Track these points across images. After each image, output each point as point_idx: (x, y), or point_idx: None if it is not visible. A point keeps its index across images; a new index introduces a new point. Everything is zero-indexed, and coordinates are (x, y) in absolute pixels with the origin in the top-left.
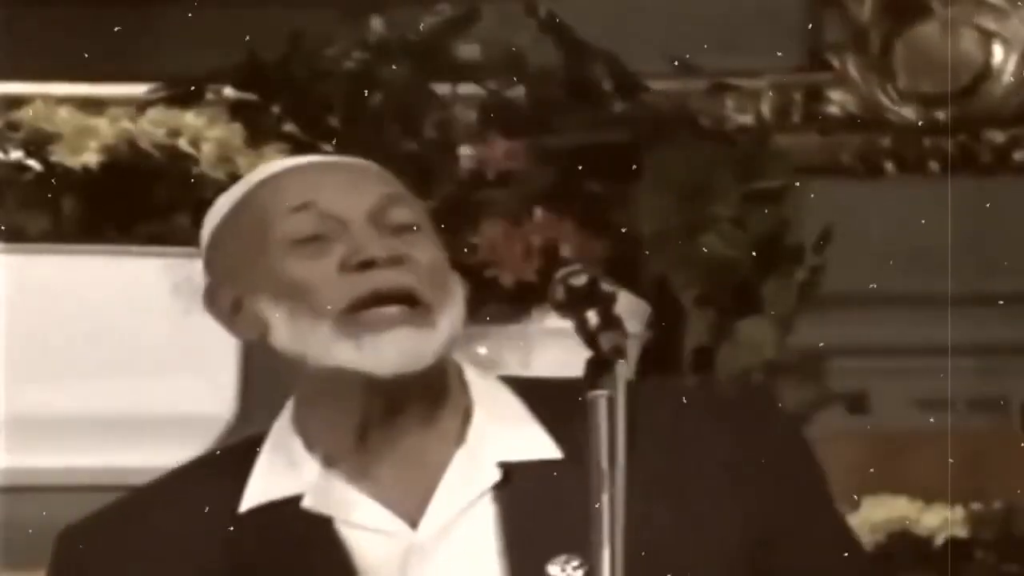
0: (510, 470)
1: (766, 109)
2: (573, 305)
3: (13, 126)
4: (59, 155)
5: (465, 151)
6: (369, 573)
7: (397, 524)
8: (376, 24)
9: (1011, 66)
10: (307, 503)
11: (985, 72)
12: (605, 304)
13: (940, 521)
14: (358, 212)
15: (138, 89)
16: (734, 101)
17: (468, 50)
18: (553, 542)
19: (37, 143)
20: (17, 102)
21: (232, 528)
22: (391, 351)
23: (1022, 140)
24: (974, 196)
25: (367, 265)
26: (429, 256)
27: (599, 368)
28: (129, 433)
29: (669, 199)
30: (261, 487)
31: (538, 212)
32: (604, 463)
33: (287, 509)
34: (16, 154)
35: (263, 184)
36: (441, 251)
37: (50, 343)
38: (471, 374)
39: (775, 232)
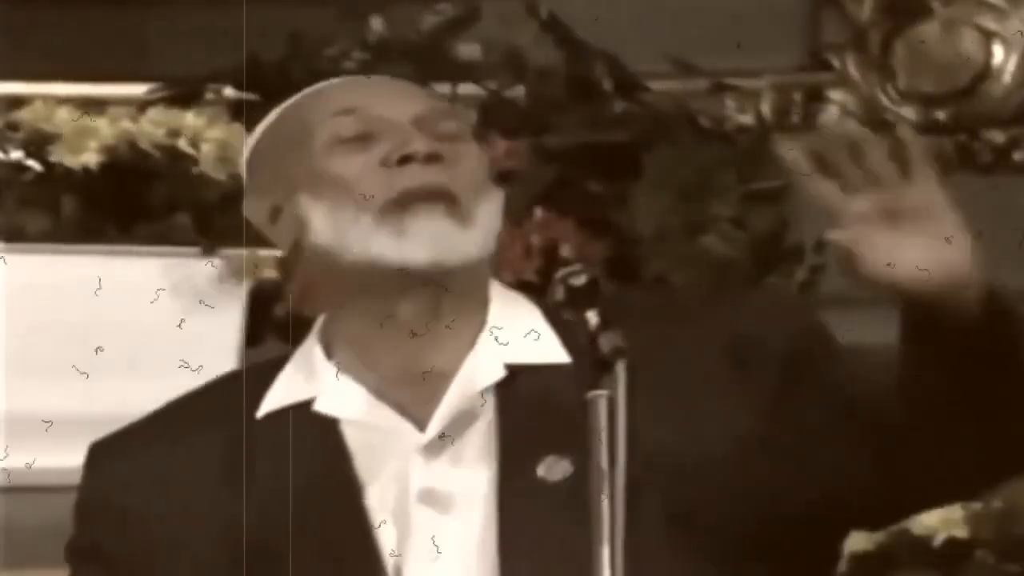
0: (516, 372)
1: (766, 109)
2: (573, 305)
3: (13, 126)
4: (59, 155)
5: None
6: (374, 474)
7: (405, 426)
8: (376, 24)
9: (1011, 66)
10: (317, 406)
11: (985, 72)
12: (605, 304)
13: (940, 521)
14: (404, 116)
15: (138, 89)
16: (734, 101)
17: (468, 50)
18: (545, 442)
19: (37, 143)
20: (17, 102)
21: (248, 435)
22: (428, 242)
23: (1022, 140)
24: (974, 196)
25: (408, 159)
26: (470, 163)
27: (599, 368)
28: None
29: (669, 199)
30: (278, 395)
31: (538, 212)
32: (604, 463)
33: (298, 413)
34: (16, 154)
35: (305, 97)
36: (483, 161)
37: (49, 343)
38: (497, 286)
39: (775, 232)
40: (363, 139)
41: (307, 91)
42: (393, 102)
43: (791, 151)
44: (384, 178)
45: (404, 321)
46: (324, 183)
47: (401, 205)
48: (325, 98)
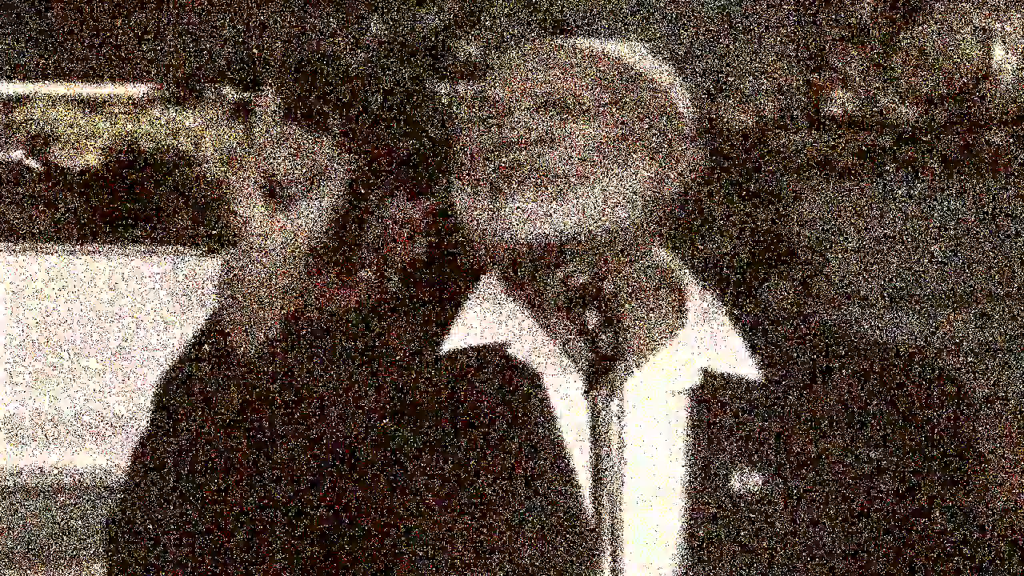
0: (710, 377)
1: (766, 109)
2: (573, 305)
3: (13, 126)
4: (59, 155)
5: None
6: (563, 432)
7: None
8: (376, 24)
9: (1011, 66)
10: (514, 352)
11: (985, 72)
12: (605, 304)
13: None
14: (525, 92)
15: (138, 89)
16: (734, 101)
17: (468, 50)
18: (738, 454)
19: (37, 143)
20: (17, 102)
21: (433, 368)
22: (523, 219)
23: (1022, 140)
24: (974, 196)
25: (514, 146)
26: (589, 139)
27: (599, 368)
28: (129, 433)
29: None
30: (464, 332)
31: None
32: (604, 463)
33: (492, 356)
34: (16, 154)
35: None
36: (619, 136)
37: (49, 343)
38: (691, 282)
39: (775, 232)
40: (484, 114)
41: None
42: (524, 73)
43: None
44: (492, 157)
45: (583, 295)
46: (455, 153)
47: (505, 183)
48: (499, 62)
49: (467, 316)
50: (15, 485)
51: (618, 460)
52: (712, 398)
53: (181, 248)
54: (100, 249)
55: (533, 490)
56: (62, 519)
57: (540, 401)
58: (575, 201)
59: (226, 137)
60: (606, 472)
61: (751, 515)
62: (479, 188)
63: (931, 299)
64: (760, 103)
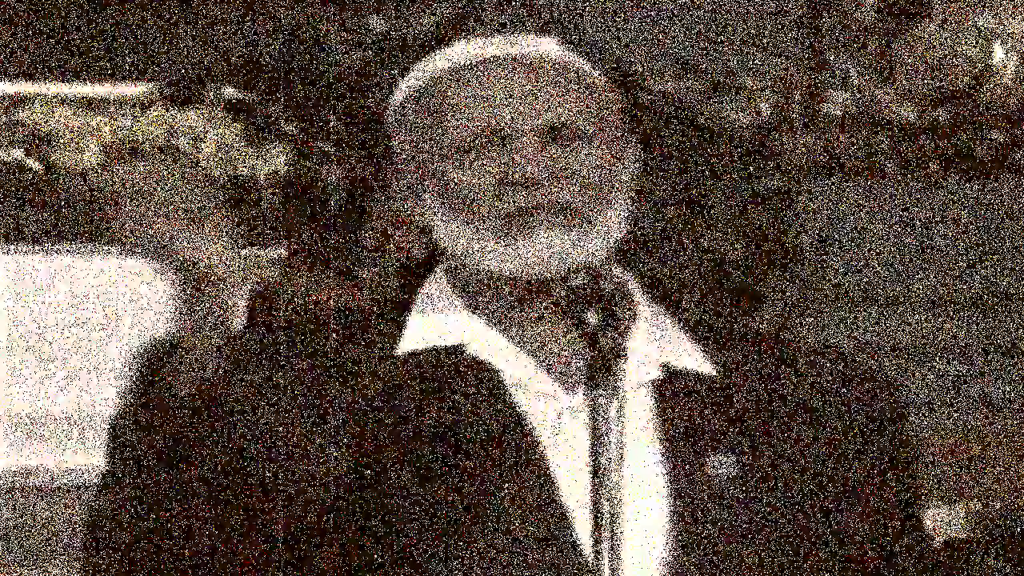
0: (670, 371)
1: (766, 109)
2: (573, 305)
3: (13, 126)
4: (59, 155)
5: None
6: (526, 427)
7: (555, 387)
8: (376, 24)
9: (1011, 66)
10: (472, 351)
11: (985, 72)
12: (605, 304)
13: (940, 521)
14: (531, 123)
15: (138, 89)
16: (734, 101)
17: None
18: (710, 441)
19: (37, 143)
20: (17, 102)
21: (390, 369)
22: (542, 255)
23: (1022, 140)
24: (974, 196)
25: (526, 183)
26: (594, 167)
27: (599, 368)
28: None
29: (669, 199)
30: (418, 334)
31: None
32: (604, 463)
33: (451, 357)
34: (16, 154)
35: (445, 75)
36: (611, 157)
37: (49, 343)
38: (637, 289)
39: (775, 232)
40: (486, 147)
41: (446, 65)
42: (524, 102)
43: None
44: (503, 195)
45: (537, 314)
46: (447, 187)
47: (518, 221)
48: (461, 85)
49: (418, 318)
50: (15, 485)
51: (618, 458)
52: (675, 390)
53: None
54: (100, 249)
55: (510, 492)
56: (62, 519)
57: (505, 399)
58: (591, 231)
59: (226, 137)
60: (608, 471)
61: (730, 497)
62: (489, 226)
63: (931, 299)
64: (760, 103)
